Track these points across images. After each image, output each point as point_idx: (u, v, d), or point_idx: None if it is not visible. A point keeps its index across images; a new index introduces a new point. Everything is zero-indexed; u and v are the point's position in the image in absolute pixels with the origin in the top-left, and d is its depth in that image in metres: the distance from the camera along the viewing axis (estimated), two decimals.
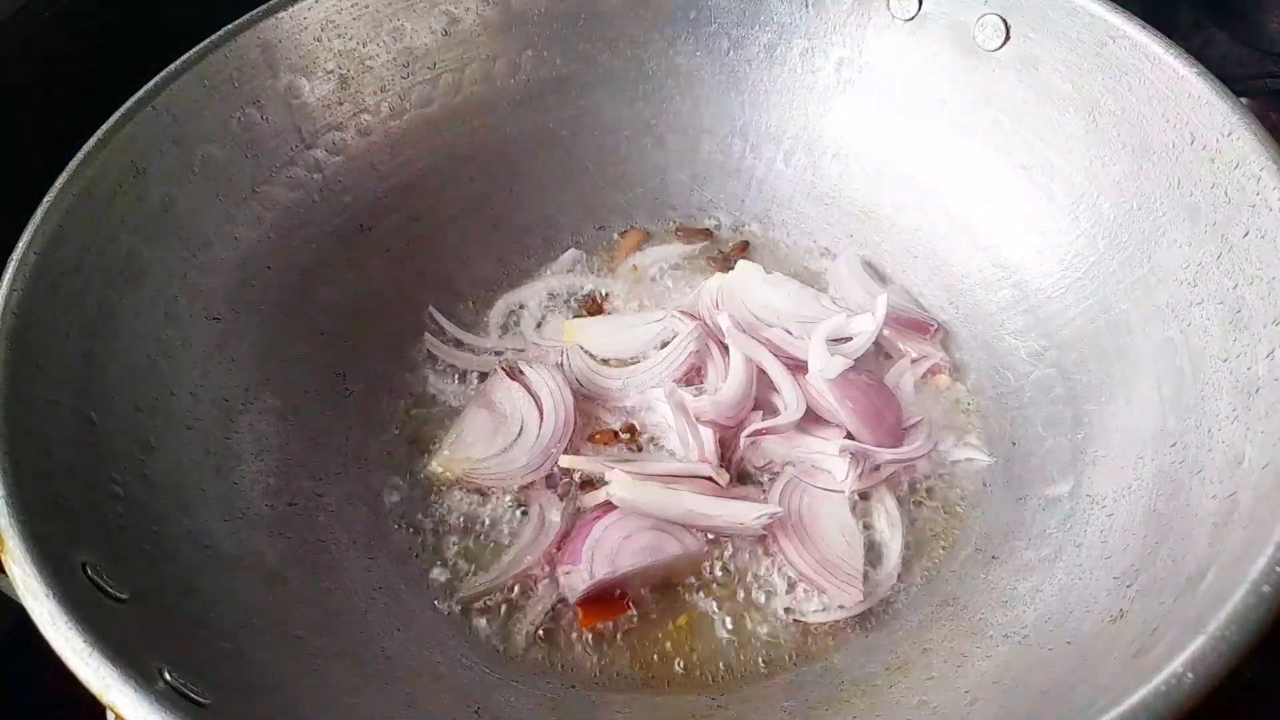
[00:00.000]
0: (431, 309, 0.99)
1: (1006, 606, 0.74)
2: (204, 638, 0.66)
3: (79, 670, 0.54)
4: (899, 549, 0.83)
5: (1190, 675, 0.49)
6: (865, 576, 0.81)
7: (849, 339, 0.91)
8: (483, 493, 0.88)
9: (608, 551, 0.80)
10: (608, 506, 0.82)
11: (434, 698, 0.73)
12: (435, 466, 0.88)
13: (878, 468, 0.86)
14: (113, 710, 0.53)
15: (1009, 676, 0.67)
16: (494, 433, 0.88)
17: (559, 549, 0.83)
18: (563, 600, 0.82)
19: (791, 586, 0.82)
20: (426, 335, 0.98)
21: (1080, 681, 0.60)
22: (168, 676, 0.57)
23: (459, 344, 0.98)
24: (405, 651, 0.77)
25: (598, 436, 0.90)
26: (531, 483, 0.87)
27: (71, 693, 0.55)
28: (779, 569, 0.83)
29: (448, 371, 0.97)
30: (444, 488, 0.89)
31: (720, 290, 0.95)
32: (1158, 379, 0.75)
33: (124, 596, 0.61)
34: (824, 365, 0.87)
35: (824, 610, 0.80)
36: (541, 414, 0.88)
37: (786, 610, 0.81)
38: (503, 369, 0.92)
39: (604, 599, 0.80)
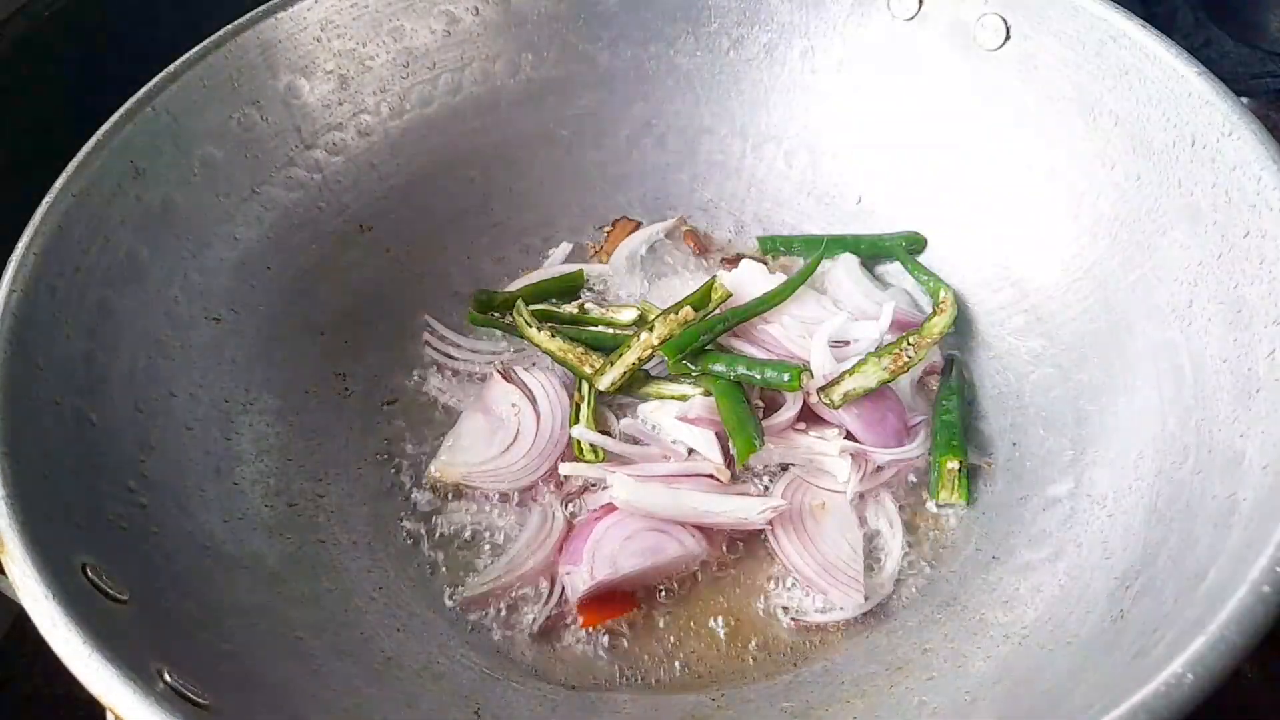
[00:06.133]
0: (427, 317, 0.99)
1: (1007, 606, 0.74)
2: (204, 638, 0.66)
3: (79, 671, 0.54)
4: (899, 549, 0.83)
5: (1190, 676, 0.49)
6: (866, 578, 0.81)
7: (847, 342, 0.91)
8: (484, 494, 0.88)
9: (609, 552, 0.80)
10: (609, 507, 0.82)
11: (434, 698, 0.73)
12: (433, 471, 0.88)
13: (880, 469, 0.86)
14: (112, 711, 0.53)
15: (1009, 677, 0.67)
16: (491, 436, 0.88)
17: (560, 549, 0.83)
18: (563, 600, 0.81)
19: (792, 587, 0.82)
20: (425, 336, 0.98)
21: (1080, 682, 0.60)
22: (167, 677, 0.57)
23: (458, 345, 0.98)
24: (405, 651, 0.77)
25: None
26: (532, 484, 0.87)
27: (71, 693, 0.55)
28: (780, 570, 0.83)
29: (448, 372, 0.97)
30: (444, 489, 0.89)
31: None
32: (1158, 379, 0.75)
33: (124, 597, 0.61)
34: (827, 367, 0.87)
35: (824, 611, 0.80)
36: (538, 416, 0.88)
37: (786, 610, 0.81)
38: (498, 371, 0.92)
39: (605, 599, 0.80)
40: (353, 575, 0.81)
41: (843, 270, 0.98)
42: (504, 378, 0.92)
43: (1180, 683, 0.49)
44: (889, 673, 0.73)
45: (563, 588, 0.81)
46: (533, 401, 0.89)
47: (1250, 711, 0.74)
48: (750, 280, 0.95)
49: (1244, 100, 0.75)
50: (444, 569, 0.84)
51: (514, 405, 0.89)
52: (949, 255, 0.98)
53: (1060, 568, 0.74)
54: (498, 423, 0.89)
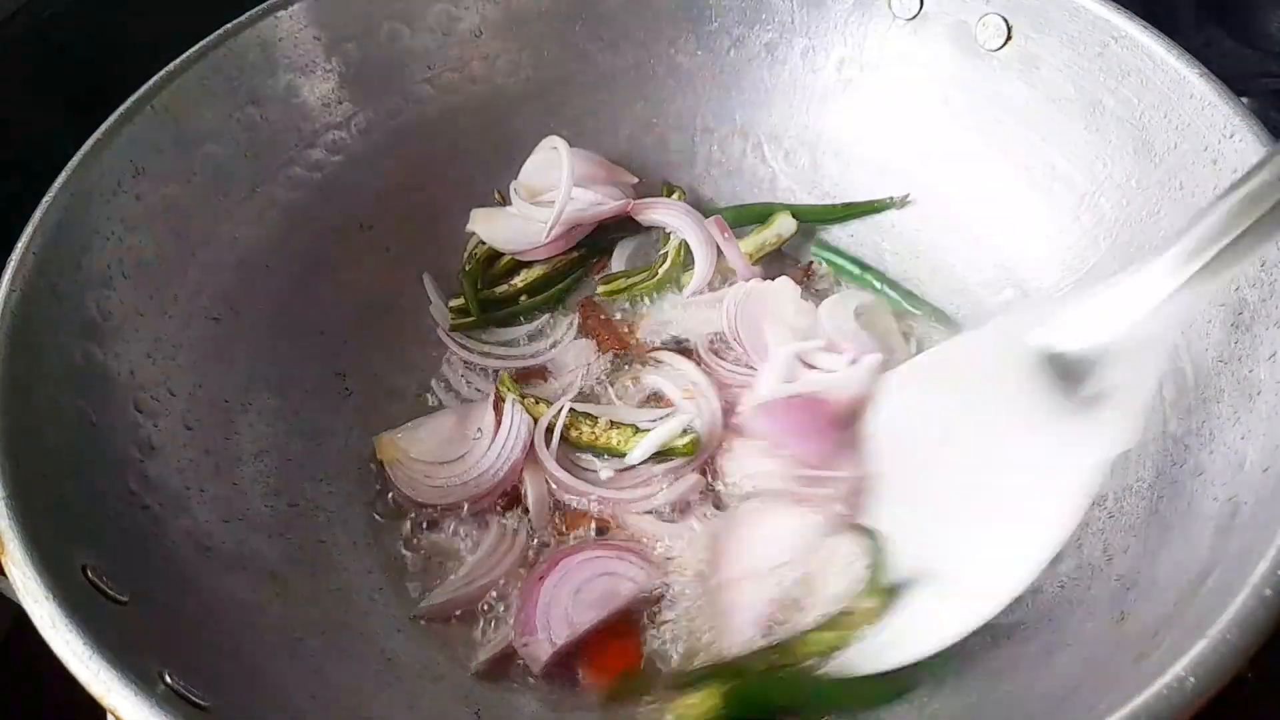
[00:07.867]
0: (445, 305, 0.99)
1: (1008, 609, 0.74)
2: (204, 639, 0.66)
3: (79, 673, 0.54)
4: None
5: (1192, 679, 0.49)
6: None
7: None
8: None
9: (562, 613, 0.76)
10: (550, 565, 0.79)
11: (434, 698, 0.74)
12: (376, 440, 0.87)
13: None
14: (113, 713, 0.53)
15: (1009, 678, 0.67)
16: (446, 444, 0.87)
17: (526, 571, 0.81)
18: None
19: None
20: (440, 331, 0.98)
21: (1081, 684, 0.60)
22: (168, 679, 0.57)
23: (478, 339, 0.98)
24: (405, 652, 0.77)
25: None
26: (450, 505, 0.85)
27: (72, 695, 0.55)
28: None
29: (446, 372, 0.97)
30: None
31: (749, 295, 0.94)
32: (1159, 380, 0.75)
33: (124, 598, 0.61)
34: (768, 384, 0.86)
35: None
36: (487, 453, 0.85)
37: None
38: (495, 395, 0.89)
39: (606, 647, 0.77)
40: (353, 575, 0.81)
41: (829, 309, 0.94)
42: (495, 404, 0.88)
43: (1181, 686, 0.49)
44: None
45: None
46: (496, 439, 0.85)
47: (1251, 714, 0.73)
48: (778, 299, 0.94)
49: (1245, 100, 0.74)
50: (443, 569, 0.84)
51: (479, 431, 0.87)
52: (949, 255, 0.98)
53: (1060, 569, 0.73)
54: (461, 437, 0.87)
